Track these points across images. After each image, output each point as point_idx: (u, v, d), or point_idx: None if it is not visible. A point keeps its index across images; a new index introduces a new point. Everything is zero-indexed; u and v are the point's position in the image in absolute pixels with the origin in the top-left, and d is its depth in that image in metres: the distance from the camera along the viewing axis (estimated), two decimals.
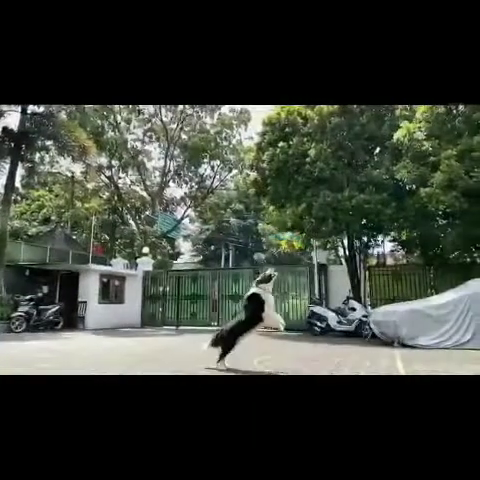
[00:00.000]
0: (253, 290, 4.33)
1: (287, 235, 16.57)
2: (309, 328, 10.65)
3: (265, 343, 8.47)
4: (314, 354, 6.17)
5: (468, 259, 10.92)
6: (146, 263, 15.48)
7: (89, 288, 12.98)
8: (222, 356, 4.29)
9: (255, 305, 4.18)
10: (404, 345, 7.28)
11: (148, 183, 25.17)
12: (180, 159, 24.18)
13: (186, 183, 25.10)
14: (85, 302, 12.81)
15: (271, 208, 13.56)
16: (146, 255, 15.92)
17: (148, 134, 24.29)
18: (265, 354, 5.99)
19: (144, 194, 24.80)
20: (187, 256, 33.53)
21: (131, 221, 24.52)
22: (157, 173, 25.87)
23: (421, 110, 9.27)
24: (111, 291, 14.04)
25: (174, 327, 13.66)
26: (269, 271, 4.45)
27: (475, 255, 10.72)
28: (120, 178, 24.57)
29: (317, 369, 4.46)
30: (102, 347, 7.74)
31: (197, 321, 13.79)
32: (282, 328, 4.37)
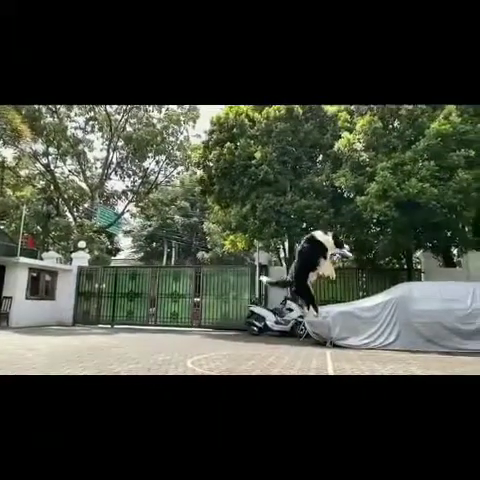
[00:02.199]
0: (316, 232, 4.21)
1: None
2: (248, 328, 10.80)
3: (202, 343, 8.43)
4: (249, 354, 6.24)
5: (397, 265, 11.76)
6: (82, 258, 14.70)
7: (16, 283, 12.03)
8: (312, 305, 4.14)
9: (315, 248, 3.99)
10: (335, 345, 7.63)
11: (88, 174, 23.93)
12: (124, 151, 23.29)
13: (129, 176, 24.23)
14: (10, 298, 11.85)
15: (216, 207, 13.56)
16: (82, 250, 15.12)
17: (90, 123, 23.11)
18: (201, 354, 5.94)
19: (83, 185, 23.53)
20: (127, 252, 32.43)
21: (67, 213, 23.17)
22: (98, 164, 24.70)
23: (361, 123, 9.79)
24: (41, 286, 13.14)
25: (109, 325, 13.12)
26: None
27: (403, 261, 11.56)
28: (57, 167, 23.11)
29: (251, 368, 4.51)
30: (17, 346, 7.16)
31: (134, 320, 13.36)
32: (334, 277, 4.36)
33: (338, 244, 4.14)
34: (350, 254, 4.57)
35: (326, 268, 4.17)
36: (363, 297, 10.48)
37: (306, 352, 6.62)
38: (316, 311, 4.29)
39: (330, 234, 4.17)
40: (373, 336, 7.58)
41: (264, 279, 5.46)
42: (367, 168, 9.37)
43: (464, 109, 8.86)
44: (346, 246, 4.39)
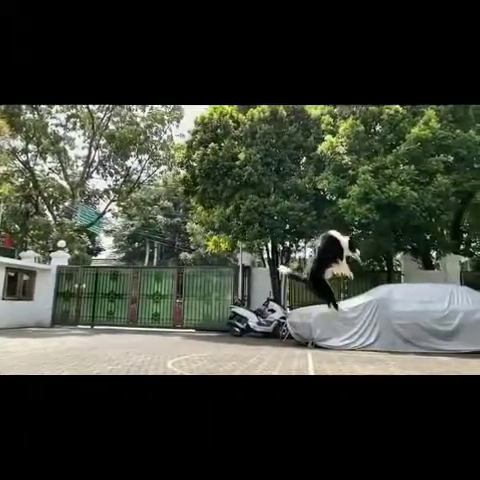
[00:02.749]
0: (332, 232, 4.22)
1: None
2: (230, 329, 10.78)
3: (184, 344, 8.37)
4: (231, 355, 6.22)
5: (378, 267, 11.95)
6: (61, 258, 14.39)
7: None
8: (332, 302, 4.12)
9: (332, 247, 4.01)
10: (317, 346, 7.69)
11: (69, 172, 23.48)
12: (106, 150, 22.94)
13: (111, 175, 23.88)
14: None
15: (200, 208, 13.50)
16: (62, 249, 14.81)
17: (72, 120, 22.67)
18: (182, 355, 5.89)
19: (64, 183, 23.05)
20: (108, 252, 31.96)
21: (47, 212, 22.66)
22: (80, 162, 24.28)
23: (343, 126, 9.92)
24: (19, 286, 12.81)
25: (89, 326, 12.89)
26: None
27: (383, 264, 11.75)
28: (37, 164, 22.59)
29: (231, 370, 4.50)
30: None
31: (114, 320, 13.17)
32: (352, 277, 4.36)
33: (351, 247, 4.23)
34: (359, 259, 4.65)
35: (343, 268, 4.24)
36: (345, 299, 10.60)
37: (287, 353, 6.65)
38: (336, 308, 4.33)
39: (347, 237, 4.27)
40: (354, 337, 7.68)
41: (284, 270, 5.45)
42: (349, 171, 9.49)
43: (443, 115, 9.09)
44: (357, 250, 4.47)
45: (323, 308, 8.52)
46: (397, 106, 9.26)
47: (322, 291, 4.27)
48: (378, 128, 10.17)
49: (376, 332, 7.63)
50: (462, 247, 11.70)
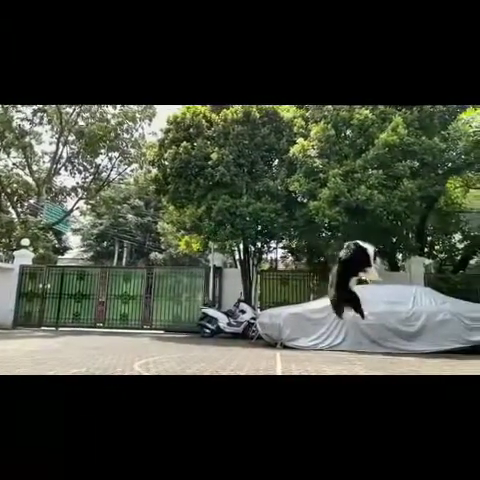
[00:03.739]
0: (359, 241, 4.24)
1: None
2: (200, 330, 10.70)
3: (152, 345, 8.22)
4: (200, 356, 6.16)
5: None
6: (25, 257, 13.82)
7: None
8: (359, 310, 4.07)
9: (360, 256, 4.03)
10: (285, 346, 7.74)
11: (35, 168, 22.60)
12: (75, 146, 22.26)
13: (80, 172, 23.16)
14: None
15: (171, 207, 13.34)
16: (25, 248, 14.22)
17: (39, 115, 21.85)
18: (150, 357, 5.77)
19: (29, 180, 22.18)
20: (76, 251, 30.99)
21: (10, 209, 21.72)
22: (47, 158, 23.42)
23: (315, 130, 10.07)
24: None
25: (53, 328, 12.43)
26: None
27: None
28: (0, 159, 21.62)
29: (200, 371, 4.44)
30: None
31: (81, 322, 12.79)
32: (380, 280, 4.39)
33: (374, 255, 4.37)
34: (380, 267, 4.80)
35: (372, 274, 4.35)
36: (314, 299, 10.75)
37: (256, 354, 6.66)
38: (362, 316, 4.36)
39: (371, 246, 4.42)
40: (322, 337, 7.78)
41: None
42: (320, 174, 9.64)
43: (410, 122, 9.39)
44: (378, 259, 4.60)
45: (292, 309, 8.62)
46: (366, 111, 9.49)
47: (349, 299, 4.34)
48: (348, 132, 10.39)
49: (343, 332, 7.77)
50: (426, 250, 12.15)
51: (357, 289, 9.32)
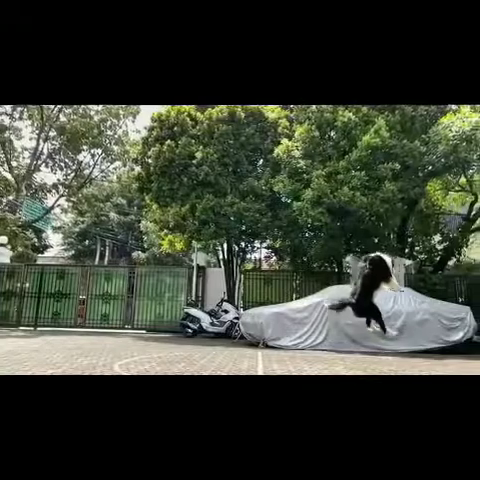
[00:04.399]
0: (378, 253, 4.27)
1: None
2: (182, 330, 10.63)
3: (134, 345, 8.12)
4: (182, 356, 6.11)
5: (329, 268, 12.32)
6: (3, 255, 13.49)
7: None
8: (380, 322, 4.05)
9: (381, 269, 4.09)
10: (268, 346, 7.76)
11: (14, 164, 22.02)
12: (56, 142, 21.79)
13: (61, 169, 22.68)
14: None
15: (154, 206, 13.20)
16: (3, 245, 13.87)
17: (19, 109, 21.31)
18: (130, 357, 5.69)
19: (8, 176, 21.61)
20: (57, 250, 30.38)
21: None
22: (27, 154, 22.85)
23: (299, 131, 10.12)
24: None
25: (32, 328, 12.15)
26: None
27: (334, 265, 12.13)
28: None
29: (181, 371, 4.41)
30: None
31: (60, 322, 12.53)
32: (402, 289, 4.42)
33: (392, 265, 4.48)
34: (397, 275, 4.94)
35: (393, 284, 4.42)
36: (297, 299, 10.82)
37: (238, 353, 6.65)
38: (384, 330, 4.38)
39: (389, 257, 4.50)
40: (303, 336, 7.84)
41: (327, 304, 5.54)
42: (304, 175, 9.70)
43: (392, 125, 9.54)
44: (394, 270, 4.70)
45: (275, 308, 8.64)
46: (350, 114, 9.59)
47: (371, 313, 4.39)
48: (332, 134, 10.48)
49: (325, 332, 7.84)
50: (407, 251, 12.36)
51: (340, 288, 9.47)
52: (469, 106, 9.65)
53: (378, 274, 4.48)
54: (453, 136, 8.93)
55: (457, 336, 7.58)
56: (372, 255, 4.70)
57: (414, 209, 11.40)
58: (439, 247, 12.61)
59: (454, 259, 12.71)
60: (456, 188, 12.58)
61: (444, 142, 9.01)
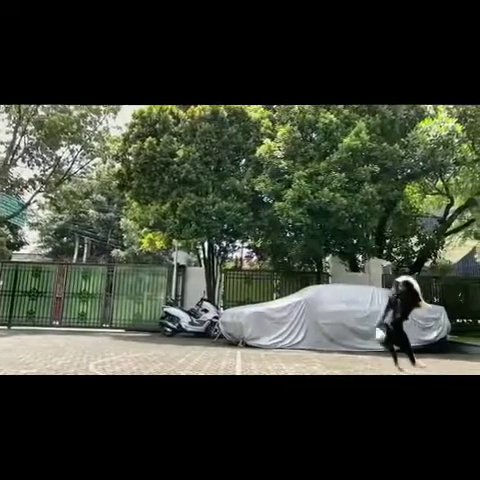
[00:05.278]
0: (406, 278, 4.26)
1: None
2: (161, 329, 10.53)
3: (111, 345, 7.99)
4: (160, 355, 6.04)
5: (308, 268, 12.43)
6: None
7: None
8: (409, 353, 3.98)
9: (411, 294, 4.12)
10: (247, 345, 7.77)
11: None
12: (34, 137, 21.19)
13: (38, 164, 22.01)
14: None
15: (134, 203, 13.02)
16: None
17: None
18: (107, 356, 5.59)
19: None
20: (33, 247, 29.58)
21: None
22: (2, 148, 22.13)
23: (281, 131, 10.16)
24: None
25: (5, 327, 11.79)
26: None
27: (314, 265, 12.25)
28: None
29: (157, 371, 4.36)
30: None
31: (36, 320, 12.21)
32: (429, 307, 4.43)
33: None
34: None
35: (424, 306, 4.46)
36: (277, 298, 10.87)
37: (218, 353, 6.62)
38: (413, 362, 4.35)
39: (414, 280, 4.54)
40: (283, 336, 7.88)
41: (379, 335, 5.45)
42: (285, 175, 9.74)
43: (372, 128, 9.69)
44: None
45: (255, 308, 8.66)
46: (331, 116, 9.69)
47: (400, 342, 4.39)
48: (314, 135, 10.56)
49: (304, 331, 7.91)
50: (385, 252, 12.60)
51: (319, 288, 9.58)
52: (446, 111, 9.91)
53: (410, 300, 4.57)
54: (430, 140, 9.15)
55: (431, 335, 7.77)
56: (401, 280, 4.74)
57: (392, 211, 11.63)
58: (416, 249, 12.91)
59: (430, 261, 13.03)
60: (433, 191, 12.91)
61: (422, 146, 9.22)
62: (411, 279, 4.77)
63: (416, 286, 4.62)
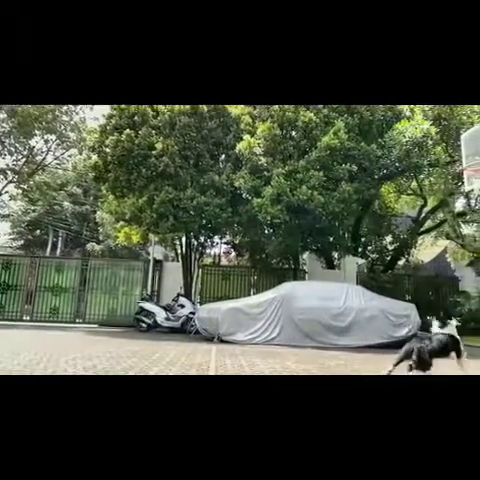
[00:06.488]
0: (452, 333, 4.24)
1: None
2: (136, 324, 10.40)
3: (84, 340, 7.83)
4: (133, 351, 5.96)
5: (286, 265, 12.54)
6: None
7: None
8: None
9: (456, 346, 4.23)
10: (222, 341, 7.77)
11: None
12: (6, 125, 20.43)
13: (11, 154, 21.26)
14: None
15: (111, 196, 12.76)
16: None
17: None
18: (79, 352, 5.47)
19: None
20: (4, 239, 28.61)
21: None
22: None
23: (261, 128, 10.15)
24: None
25: None
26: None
27: (291, 262, 12.36)
28: None
29: (130, 367, 4.29)
30: None
31: (5, 315, 11.84)
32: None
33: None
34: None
35: (462, 364, 4.40)
36: (254, 294, 10.92)
37: (192, 348, 6.59)
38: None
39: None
40: (258, 331, 7.92)
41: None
42: (264, 172, 9.76)
43: (351, 128, 9.82)
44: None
45: (231, 303, 8.66)
46: (311, 114, 9.75)
47: (426, 367, 4.37)
48: (293, 133, 10.61)
49: (279, 327, 7.97)
50: (360, 250, 12.83)
51: (295, 285, 9.65)
52: (422, 114, 10.14)
53: (452, 349, 4.57)
54: (406, 141, 9.35)
55: (403, 332, 7.97)
56: (448, 335, 4.67)
57: (368, 210, 11.85)
58: (390, 247, 13.22)
59: (403, 259, 13.37)
60: (408, 191, 13.23)
61: (398, 147, 9.41)
62: (457, 336, 4.62)
63: (462, 345, 4.54)
